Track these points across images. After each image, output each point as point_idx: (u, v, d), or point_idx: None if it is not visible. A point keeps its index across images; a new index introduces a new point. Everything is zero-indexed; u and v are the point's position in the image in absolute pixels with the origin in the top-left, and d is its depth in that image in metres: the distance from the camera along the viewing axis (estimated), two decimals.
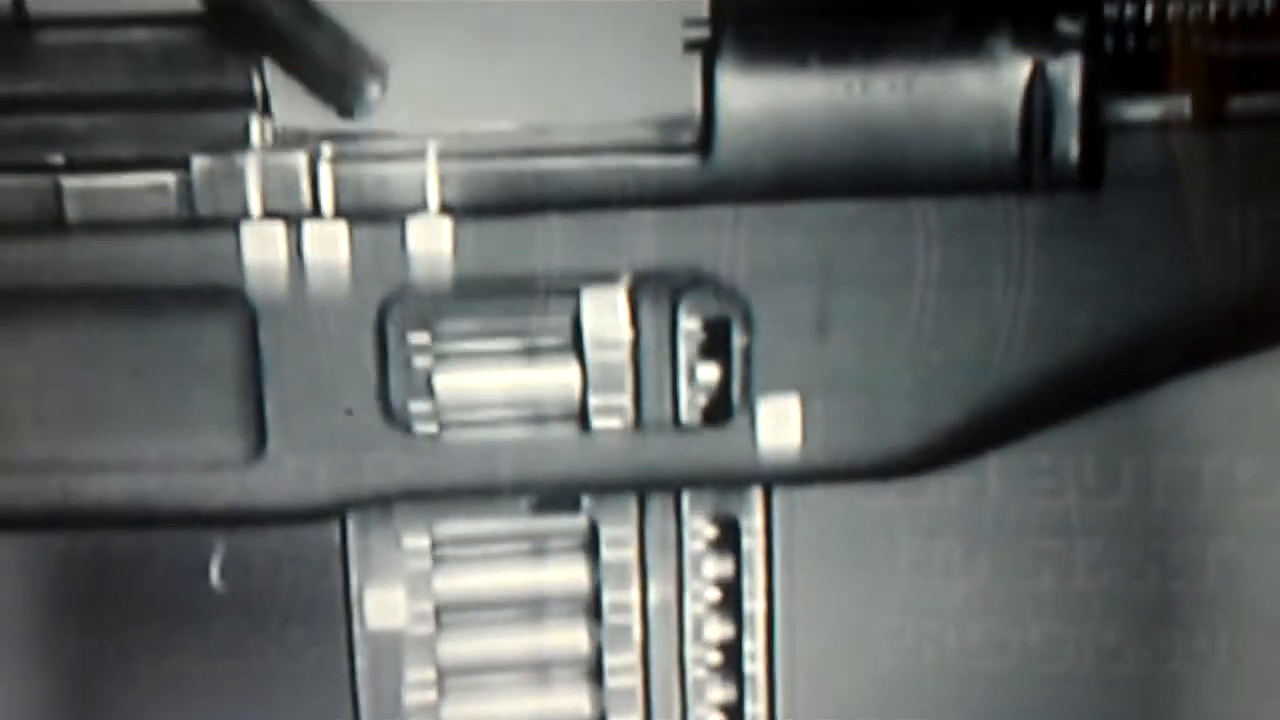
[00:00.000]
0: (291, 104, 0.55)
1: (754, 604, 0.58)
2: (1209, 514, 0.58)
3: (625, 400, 0.56)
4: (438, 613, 0.58)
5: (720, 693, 0.59)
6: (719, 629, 0.58)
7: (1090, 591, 0.58)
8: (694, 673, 0.58)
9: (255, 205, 0.55)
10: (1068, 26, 0.54)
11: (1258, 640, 0.59)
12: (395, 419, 0.56)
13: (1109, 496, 0.58)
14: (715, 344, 0.56)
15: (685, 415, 0.56)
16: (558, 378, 0.56)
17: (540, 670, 0.59)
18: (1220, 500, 0.58)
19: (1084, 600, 0.58)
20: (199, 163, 0.54)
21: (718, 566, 0.58)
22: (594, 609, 0.58)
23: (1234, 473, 0.58)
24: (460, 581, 0.58)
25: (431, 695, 0.58)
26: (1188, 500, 0.58)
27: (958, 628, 0.58)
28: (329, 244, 0.54)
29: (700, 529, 0.58)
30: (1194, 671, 0.59)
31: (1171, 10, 0.55)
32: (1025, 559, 0.58)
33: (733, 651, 0.58)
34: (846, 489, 0.57)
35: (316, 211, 0.55)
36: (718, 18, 0.54)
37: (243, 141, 0.55)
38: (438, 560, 0.58)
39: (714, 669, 0.59)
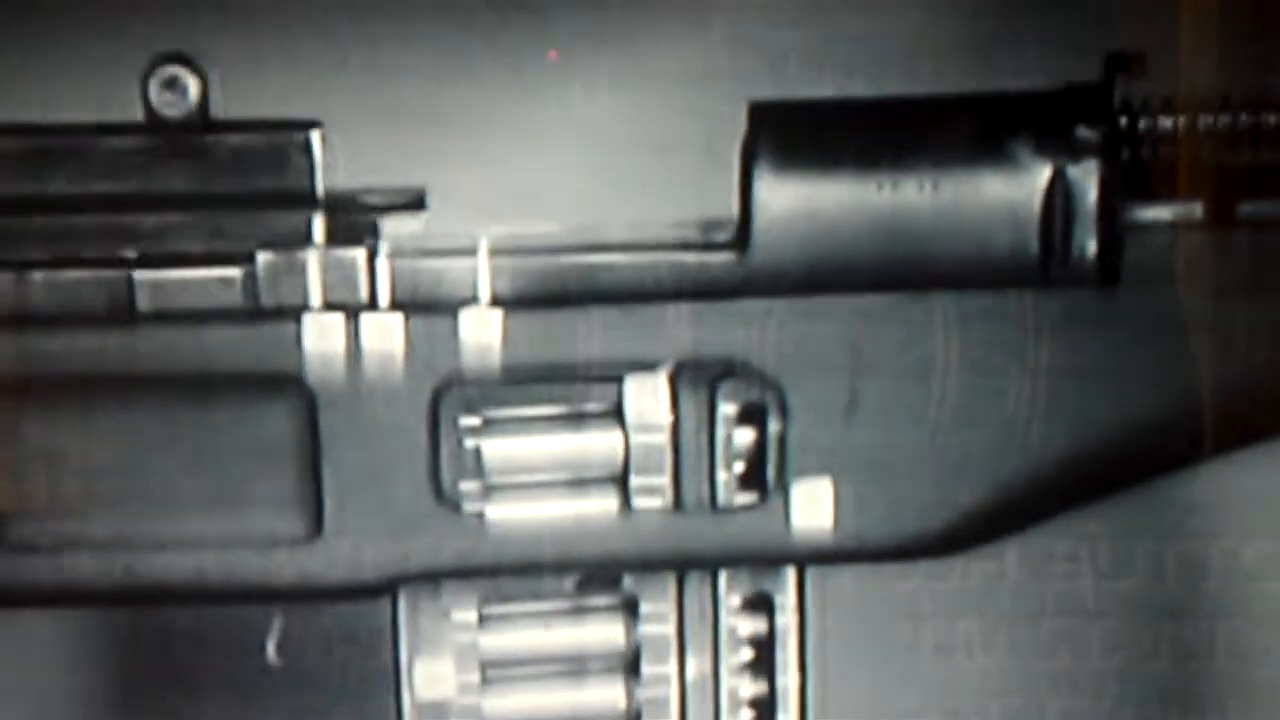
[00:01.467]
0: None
1: (787, 678, 0.61)
2: (1218, 597, 0.61)
3: (665, 481, 0.58)
4: (483, 681, 0.61)
5: None
6: (753, 702, 0.61)
7: (1105, 671, 0.60)
8: None
9: (316, 297, 0.58)
10: (1086, 134, 0.57)
11: (1265, 718, 0.62)
12: (445, 499, 0.58)
13: (1123, 580, 0.61)
14: (751, 429, 0.59)
15: (722, 497, 0.59)
16: (601, 460, 0.59)
17: None
18: (1228, 584, 0.61)
19: (1099, 679, 0.60)
20: (263, 257, 0.58)
21: (752, 641, 0.61)
22: (633, 675, 0.61)
23: (1241, 558, 0.61)
24: (505, 651, 0.61)
25: None
26: (1198, 584, 0.61)
27: (979, 705, 0.61)
28: (385, 334, 0.57)
29: (736, 605, 0.61)
30: None
31: (1184, 122, 0.58)
32: (1043, 639, 0.60)
33: None
34: (872, 571, 0.60)
35: (374, 303, 0.58)
36: (755, 124, 0.58)
37: (304, 238, 0.58)
38: (484, 632, 0.60)
39: None
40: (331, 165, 0.58)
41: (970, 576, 0.59)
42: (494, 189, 0.58)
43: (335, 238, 0.58)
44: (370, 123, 0.58)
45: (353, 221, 0.58)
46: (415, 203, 0.58)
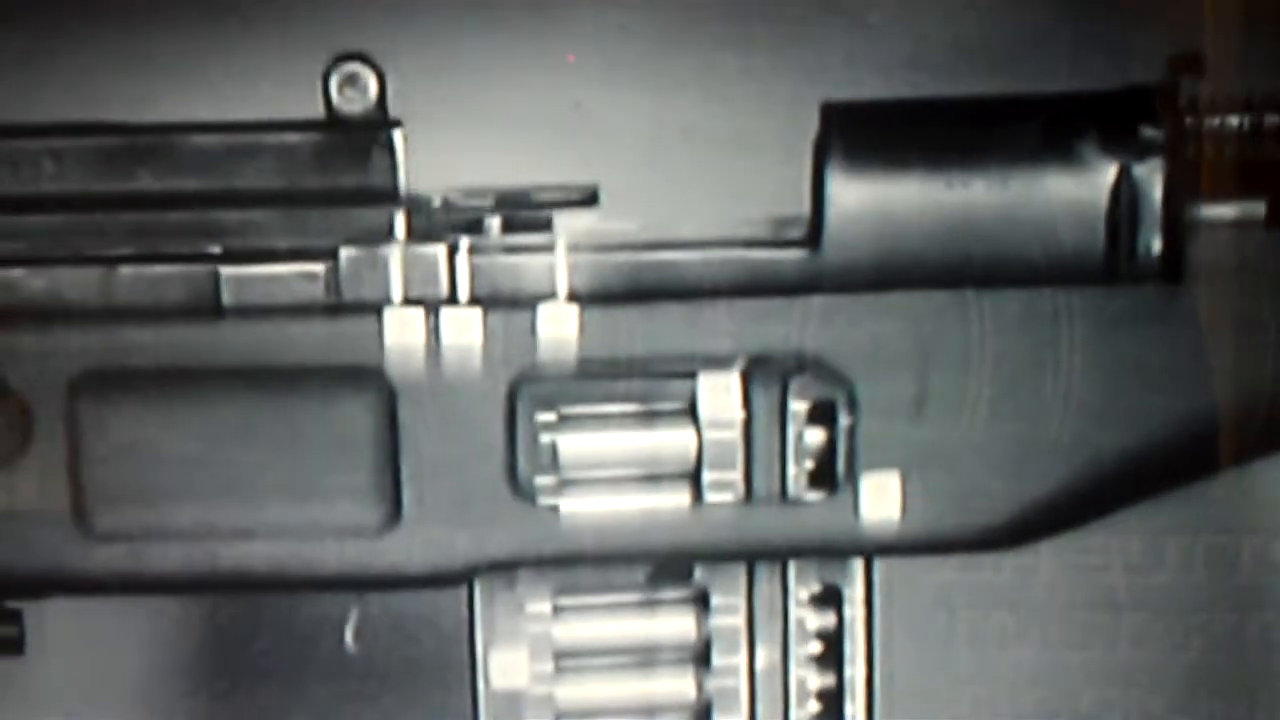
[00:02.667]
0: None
1: (855, 669, 0.62)
2: (1248, 590, 0.62)
3: (737, 476, 0.60)
4: (556, 670, 0.62)
5: None
6: (821, 693, 0.62)
7: (1186, 664, 0.61)
8: None
9: (397, 292, 0.59)
10: (1151, 134, 0.59)
11: None
12: (521, 492, 0.60)
13: (1154, 574, 0.62)
14: (821, 424, 0.60)
15: (792, 490, 0.60)
16: (674, 454, 0.60)
17: (649, 713, 0.63)
18: (1258, 578, 0.62)
19: (1180, 672, 0.61)
20: (346, 253, 0.59)
21: (821, 633, 0.62)
22: (703, 666, 0.62)
23: (1271, 552, 0.62)
24: (578, 641, 0.62)
25: None
26: (1228, 577, 0.62)
27: (1044, 697, 0.62)
28: (464, 328, 0.59)
29: (804, 597, 0.62)
30: None
31: (1248, 121, 0.59)
32: (1111, 631, 0.61)
33: (834, 713, 0.62)
34: (940, 563, 0.61)
35: (453, 298, 0.59)
36: (828, 123, 0.59)
37: (386, 234, 0.59)
38: (557, 622, 0.62)
39: None
40: (499, 162, 0.59)
41: (1003, 570, 0.61)
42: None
43: (416, 234, 0.59)
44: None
45: (527, 217, 0.59)
46: (589, 199, 0.60)
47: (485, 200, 0.59)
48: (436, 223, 0.59)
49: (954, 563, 0.61)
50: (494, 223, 0.59)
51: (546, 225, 0.59)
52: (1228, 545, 0.61)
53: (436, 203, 0.59)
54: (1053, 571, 0.61)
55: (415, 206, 0.59)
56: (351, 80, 0.59)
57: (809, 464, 0.60)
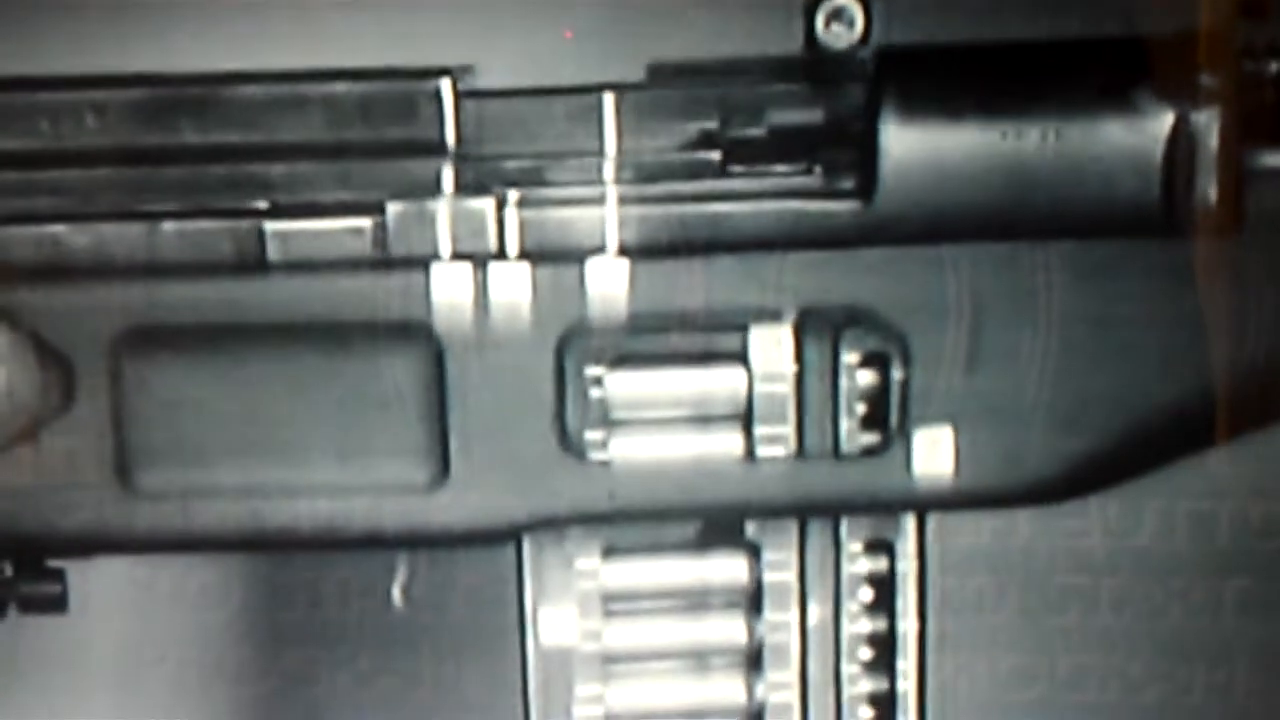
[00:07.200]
0: None
1: (906, 623, 0.61)
2: (1227, 555, 0.61)
3: (789, 430, 0.59)
4: (606, 626, 0.61)
5: (871, 713, 0.63)
6: (873, 646, 0.62)
7: (1115, 627, 0.61)
8: (849, 689, 0.62)
9: (445, 247, 0.58)
10: (1209, 80, 0.58)
11: (1274, 675, 0.62)
12: (570, 447, 0.59)
13: (1133, 538, 0.61)
14: (874, 377, 0.59)
15: (845, 445, 0.59)
16: (725, 409, 0.59)
17: (700, 667, 0.62)
18: (1237, 543, 0.62)
19: (1108, 635, 0.61)
20: (393, 208, 0.58)
21: (873, 587, 0.62)
22: (754, 619, 0.62)
23: (1249, 516, 0.61)
24: (628, 596, 0.61)
25: (600, 710, 0.61)
26: (1206, 542, 0.61)
27: (1099, 658, 0.62)
28: (513, 283, 0.58)
29: (857, 551, 0.61)
30: (1214, 704, 0.63)
31: None
32: (1053, 595, 0.61)
33: (885, 669, 0.62)
34: (993, 517, 0.61)
35: (502, 253, 0.58)
36: (881, 74, 0.58)
37: (434, 188, 0.59)
38: (607, 578, 0.61)
39: (867, 685, 0.62)
40: None
41: (981, 533, 0.61)
42: None
43: (464, 187, 0.58)
44: None
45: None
46: None
47: (536, 153, 0.59)
48: (485, 176, 0.59)
49: (1013, 516, 0.61)
50: (544, 176, 0.58)
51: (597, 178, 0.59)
52: (1207, 510, 0.61)
53: (486, 155, 0.59)
54: (1030, 536, 0.61)
55: (463, 159, 0.59)
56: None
57: (861, 417, 0.59)
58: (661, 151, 0.59)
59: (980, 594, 0.62)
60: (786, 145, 0.58)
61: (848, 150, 0.58)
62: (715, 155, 0.58)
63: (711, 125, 0.59)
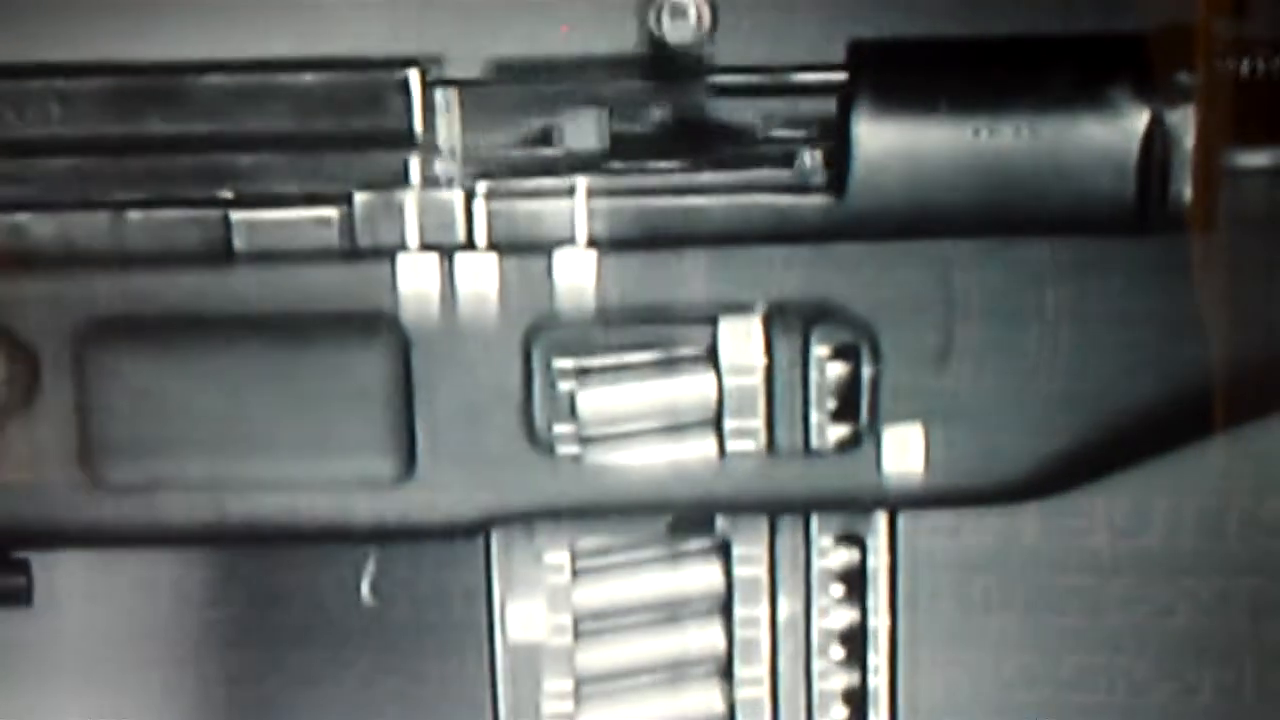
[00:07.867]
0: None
1: (878, 620, 0.61)
2: (1235, 554, 0.61)
3: (758, 424, 0.59)
4: (575, 624, 0.61)
5: (843, 709, 0.62)
6: (844, 643, 0.62)
7: (1121, 627, 0.61)
8: (821, 685, 0.61)
9: (412, 238, 0.58)
10: (1185, 79, 0.57)
11: None
12: (539, 441, 0.59)
13: (1141, 537, 0.61)
14: (844, 373, 0.59)
15: (815, 441, 0.59)
16: (694, 402, 0.59)
17: (675, 674, 0.62)
18: (1245, 541, 0.61)
19: (1114, 635, 0.61)
20: (360, 198, 0.58)
21: (843, 584, 0.61)
22: (725, 617, 0.61)
23: (1259, 515, 0.61)
24: (597, 593, 0.61)
25: (568, 705, 0.61)
26: (1215, 541, 0.61)
27: (1067, 654, 0.61)
28: (480, 275, 0.58)
29: (827, 548, 0.61)
30: (1222, 705, 0.62)
31: None
32: (1058, 596, 0.61)
33: (857, 664, 0.61)
34: (963, 515, 0.60)
35: (470, 244, 0.58)
36: (854, 67, 0.58)
37: (401, 179, 0.58)
38: (577, 574, 0.61)
39: (839, 680, 0.62)
40: None
41: (984, 533, 0.60)
42: None
43: (431, 179, 0.58)
44: None
45: None
46: None
47: (503, 144, 0.58)
48: (452, 167, 0.58)
49: (982, 515, 0.61)
50: (512, 167, 0.58)
51: (565, 170, 0.58)
52: (1215, 508, 0.60)
53: (453, 147, 0.58)
54: (1036, 534, 0.61)
55: (431, 150, 0.58)
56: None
57: (832, 413, 0.59)
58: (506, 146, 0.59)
59: (985, 593, 0.61)
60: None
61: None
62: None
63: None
